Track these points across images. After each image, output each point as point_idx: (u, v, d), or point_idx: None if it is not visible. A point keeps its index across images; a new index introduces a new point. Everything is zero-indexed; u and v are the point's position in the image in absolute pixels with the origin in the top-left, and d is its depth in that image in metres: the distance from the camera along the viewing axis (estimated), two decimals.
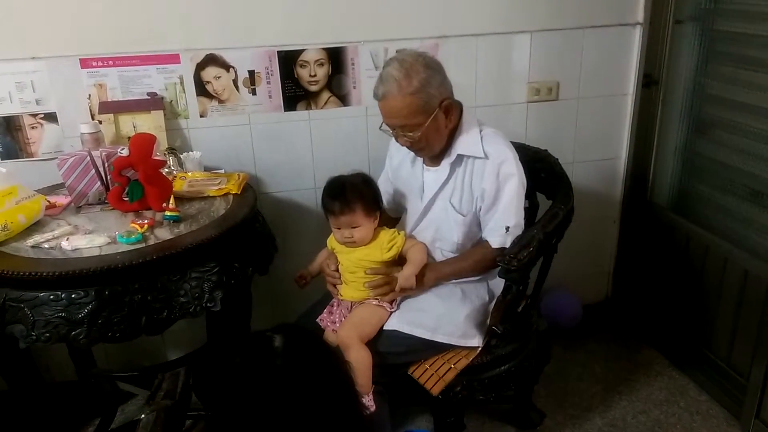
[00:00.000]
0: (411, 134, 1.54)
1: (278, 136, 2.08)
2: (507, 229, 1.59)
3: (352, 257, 1.63)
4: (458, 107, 1.63)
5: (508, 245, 1.58)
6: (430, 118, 1.52)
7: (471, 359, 1.61)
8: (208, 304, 1.48)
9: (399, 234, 1.66)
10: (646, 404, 2.07)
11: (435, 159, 1.67)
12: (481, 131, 1.61)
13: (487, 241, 1.64)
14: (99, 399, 2.07)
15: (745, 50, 1.95)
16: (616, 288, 2.60)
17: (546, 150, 1.89)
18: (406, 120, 1.52)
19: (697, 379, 2.16)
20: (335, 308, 1.68)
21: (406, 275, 1.59)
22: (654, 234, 2.35)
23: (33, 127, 1.90)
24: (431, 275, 1.64)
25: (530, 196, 1.90)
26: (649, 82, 2.28)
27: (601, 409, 2.05)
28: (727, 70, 2.04)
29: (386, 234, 1.65)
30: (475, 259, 1.66)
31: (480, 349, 1.63)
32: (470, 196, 1.62)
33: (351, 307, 1.64)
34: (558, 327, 2.30)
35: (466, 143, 1.60)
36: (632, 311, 2.50)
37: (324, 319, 1.67)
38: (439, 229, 1.69)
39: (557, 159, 1.85)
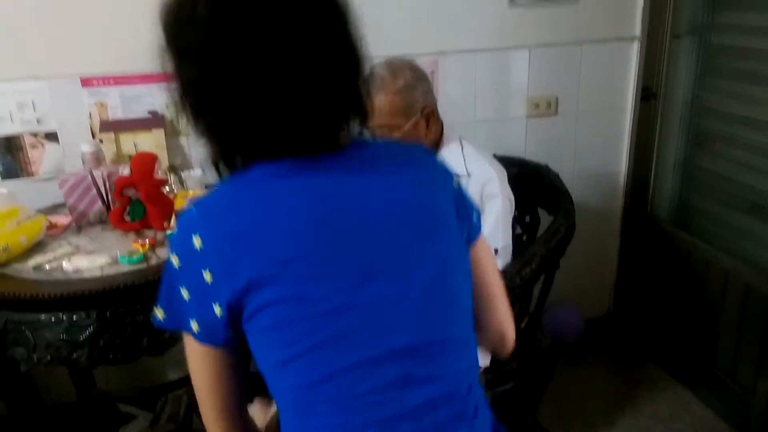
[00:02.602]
0: (389, 136, 1.53)
1: None
2: (496, 251, 1.56)
3: None
4: (439, 123, 1.62)
5: (499, 268, 1.56)
6: (410, 122, 1.52)
7: None
8: None
9: None
10: (651, 420, 2.05)
11: None
12: (463, 149, 1.60)
13: None
14: (99, 421, 2.05)
15: (742, 64, 1.97)
16: (618, 302, 2.59)
17: (546, 164, 1.89)
18: (387, 119, 1.51)
19: (701, 395, 2.14)
20: None
21: None
22: (655, 248, 2.35)
23: (34, 147, 1.90)
24: None
25: (531, 211, 1.90)
26: (647, 95, 2.29)
27: (606, 427, 2.04)
28: (725, 84, 2.05)
29: None
30: None
31: (483, 368, 1.62)
32: None
33: None
34: (560, 342, 2.29)
35: (447, 161, 1.57)
36: (634, 326, 2.49)
37: None
38: None
39: (558, 174, 1.85)
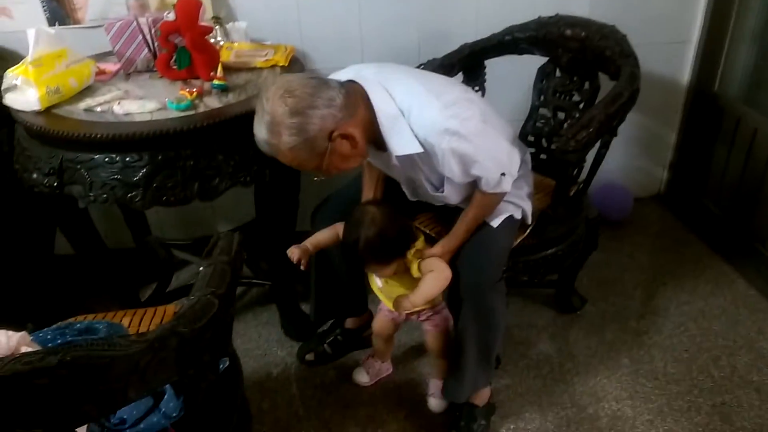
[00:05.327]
0: (318, 174, 1.32)
1: (325, 9, 1.98)
2: (503, 174, 1.39)
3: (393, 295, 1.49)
4: (359, 117, 1.28)
5: (508, 187, 1.42)
6: (326, 155, 1.26)
7: (518, 240, 1.60)
8: (258, 174, 1.49)
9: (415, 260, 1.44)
10: (691, 295, 2.05)
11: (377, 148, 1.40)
12: (404, 115, 1.30)
13: (486, 192, 1.42)
14: (155, 265, 2.17)
15: None
16: (671, 182, 2.51)
17: (613, 25, 1.74)
18: (303, 167, 1.30)
19: (747, 274, 2.11)
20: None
21: (412, 301, 1.39)
22: (719, 125, 2.22)
23: None
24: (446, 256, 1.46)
25: (591, 76, 1.79)
26: None
27: (644, 299, 2.05)
28: None
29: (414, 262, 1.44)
30: (481, 213, 1.47)
31: (529, 231, 1.61)
32: (441, 175, 1.41)
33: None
34: (607, 219, 2.26)
35: (400, 144, 1.32)
36: (685, 205, 2.42)
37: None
38: (435, 197, 1.52)
39: (625, 35, 1.71)
